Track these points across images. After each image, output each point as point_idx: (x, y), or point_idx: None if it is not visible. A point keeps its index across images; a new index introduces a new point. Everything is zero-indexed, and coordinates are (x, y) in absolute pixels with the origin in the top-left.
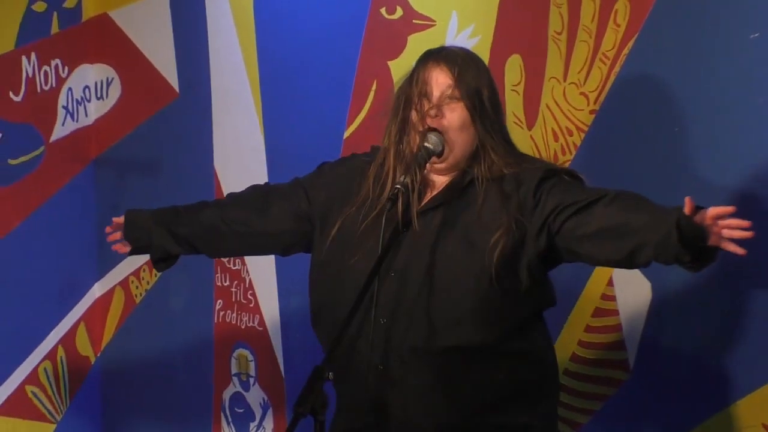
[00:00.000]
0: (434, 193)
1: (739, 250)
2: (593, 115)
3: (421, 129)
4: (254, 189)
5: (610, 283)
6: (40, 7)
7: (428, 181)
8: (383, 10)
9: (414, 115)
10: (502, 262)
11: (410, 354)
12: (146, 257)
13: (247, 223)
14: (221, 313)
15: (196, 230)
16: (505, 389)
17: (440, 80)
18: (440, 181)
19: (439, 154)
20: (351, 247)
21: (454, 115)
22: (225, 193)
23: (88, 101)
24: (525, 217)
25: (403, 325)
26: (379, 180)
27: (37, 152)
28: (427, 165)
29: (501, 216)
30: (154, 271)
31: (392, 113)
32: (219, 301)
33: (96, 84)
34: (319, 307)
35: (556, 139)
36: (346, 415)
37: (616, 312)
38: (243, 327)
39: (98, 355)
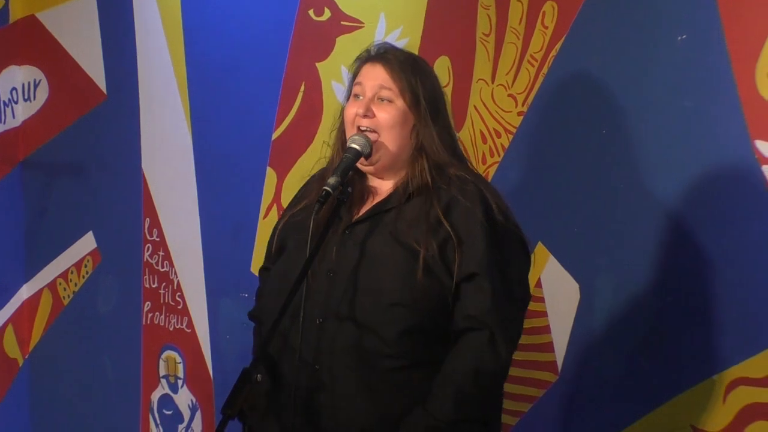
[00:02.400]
0: (375, 200)
1: None
2: (521, 117)
3: (353, 131)
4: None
5: (539, 284)
6: None
7: (370, 188)
8: (311, 12)
9: (348, 113)
10: (426, 273)
11: (339, 355)
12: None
13: None
14: (149, 315)
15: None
16: None
17: (373, 80)
18: (382, 187)
19: (367, 156)
20: (295, 246)
21: (385, 115)
22: (153, 196)
23: (16, 103)
24: (448, 250)
25: (334, 325)
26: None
27: None
28: (367, 168)
29: (428, 237)
30: (82, 273)
31: (337, 120)
32: (147, 302)
33: (23, 86)
34: (264, 306)
35: (485, 141)
36: (276, 413)
37: (544, 313)
38: (171, 329)
39: (26, 357)
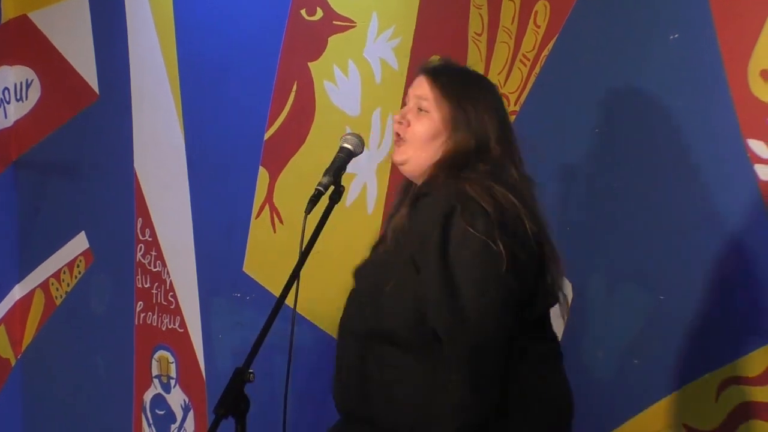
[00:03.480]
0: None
1: None
2: (513, 117)
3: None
4: None
5: None
6: None
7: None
8: (303, 12)
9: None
10: (384, 286)
11: (343, 367)
12: (67, 259)
13: None
14: (142, 315)
15: None
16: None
17: (418, 90)
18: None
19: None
20: None
21: (418, 127)
22: (146, 196)
23: (8, 103)
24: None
25: (343, 339)
26: None
27: None
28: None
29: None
30: (75, 273)
31: None
32: (140, 302)
33: (15, 86)
34: None
35: None
36: None
37: None
38: (164, 329)
39: (19, 357)
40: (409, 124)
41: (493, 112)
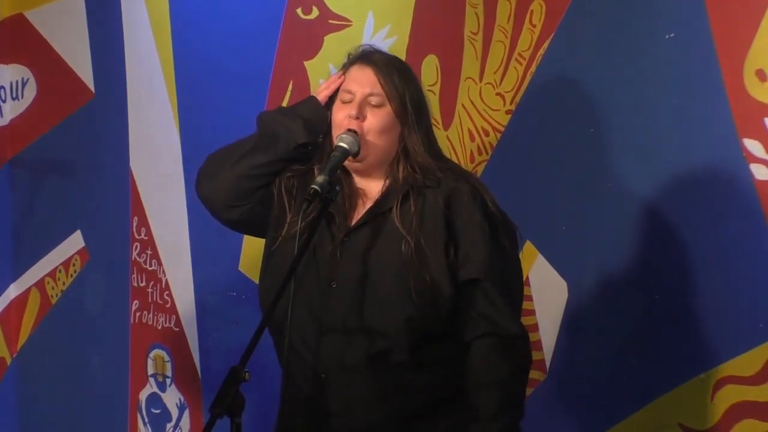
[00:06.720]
0: (366, 203)
1: None
2: (509, 116)
3: (340, 131)
4: None
5: (527, 283)
6: None
7: (359, 189)
8: (299, 11)
9: (337, 116)
10: (419, 276)
11: (350, 366)
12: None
13: None
14: (137, 314)
15: None
16: (443, 393)
17: (362, 84)
18: (371, 189)
19: (355, 154)
20: (290, 246)
21: (375, 119)
22: (141, 195)
23: (4, 102)
24: (450, 252)
25: (340, 337)
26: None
27: None
28: (356, 165)
29: (428, 240)
30: (70, 272)
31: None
32: (135, 301)
33: (11, 84)
34: (262, 299)
35: (473, 140)
36: (285, 414)
37: (532, 312)
38: (159, 328)
39: (14, 356)
40: (364, 119)
41: (424, 96)
